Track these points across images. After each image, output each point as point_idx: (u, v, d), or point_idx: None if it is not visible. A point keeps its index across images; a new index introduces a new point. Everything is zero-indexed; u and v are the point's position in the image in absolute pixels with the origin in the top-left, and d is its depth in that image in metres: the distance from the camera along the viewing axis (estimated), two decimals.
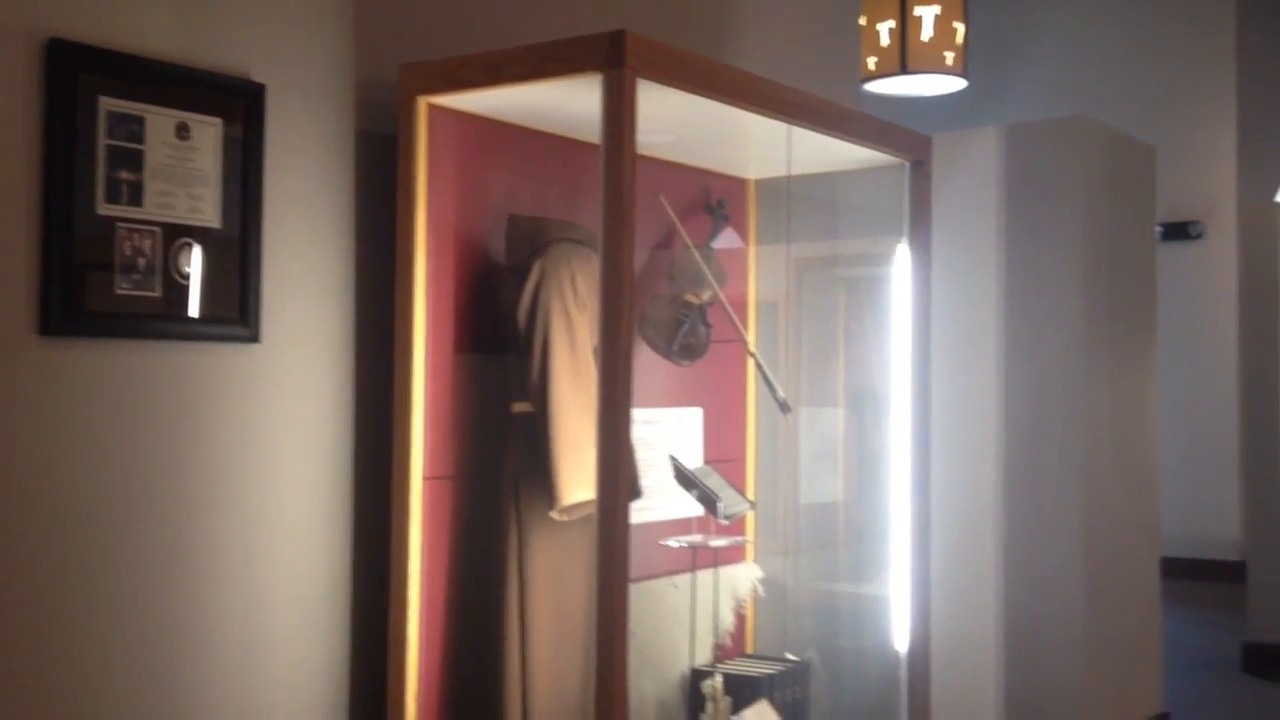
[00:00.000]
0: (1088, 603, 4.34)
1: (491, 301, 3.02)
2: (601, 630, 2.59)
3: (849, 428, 4.73)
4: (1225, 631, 6.99)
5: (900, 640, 3.74)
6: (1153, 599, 4.99)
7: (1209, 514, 9.45)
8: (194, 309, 2.58)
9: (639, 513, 3.20)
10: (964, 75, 4.81)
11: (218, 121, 2.63)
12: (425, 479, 2.85)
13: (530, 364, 2.90)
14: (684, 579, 3.50)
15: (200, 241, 2.59)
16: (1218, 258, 9.57)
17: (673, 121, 3.17)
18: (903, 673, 3.70)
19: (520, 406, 2.96)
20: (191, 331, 2.58)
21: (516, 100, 2.91)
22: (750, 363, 3.84)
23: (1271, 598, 6.33)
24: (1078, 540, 4.35)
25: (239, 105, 2.66)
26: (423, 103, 2.86)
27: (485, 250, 3.05)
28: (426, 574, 2.86)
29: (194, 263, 2.58)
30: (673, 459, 3.36)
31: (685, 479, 3.33)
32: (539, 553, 2.94)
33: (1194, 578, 9.04)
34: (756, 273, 4.08)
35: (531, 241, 3.02)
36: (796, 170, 3.76)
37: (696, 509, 3.42)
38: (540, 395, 2.88)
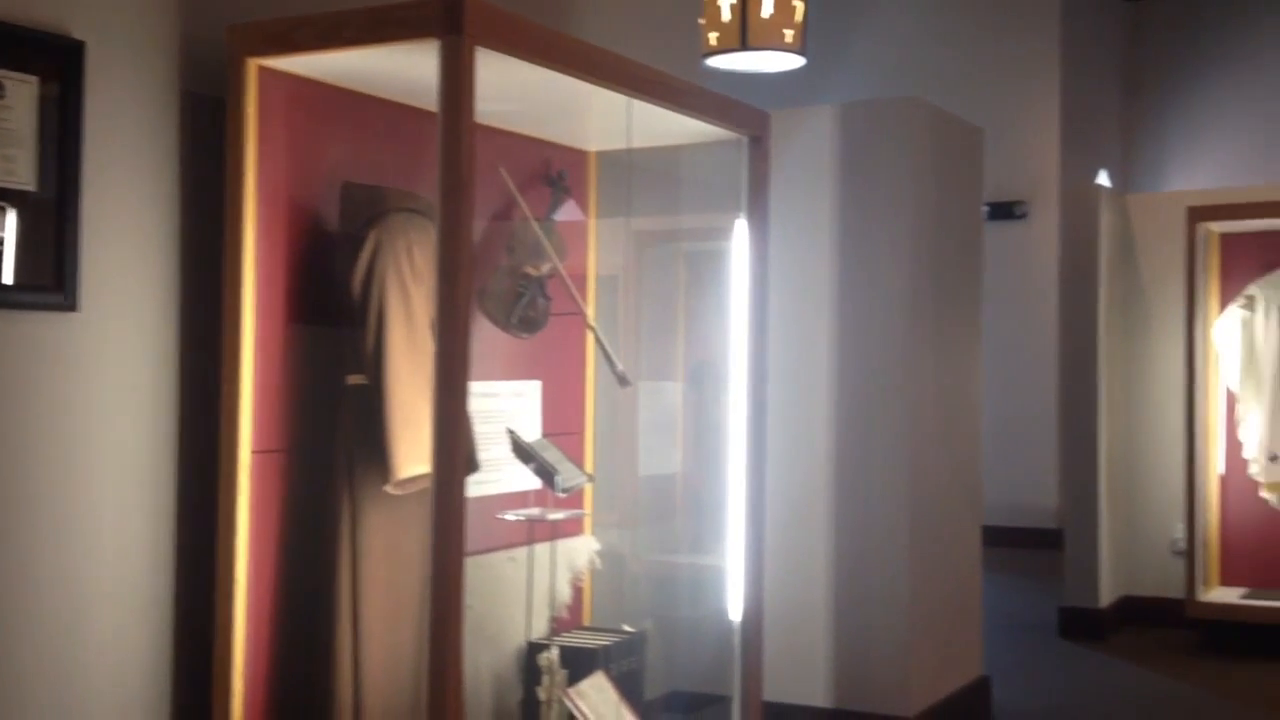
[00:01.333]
0: (913, 571, 4.47)
1: (325, 271, 2.95)
2: (436, 605, 2.56)
3: (688, 401, 4.77)
4: (1043, 597, 7.27)
5: (735, 609, 3.80)
6: (974, 567, 5.16)
7: (1029, 484, 9.82)
8: (7, 275, 2.46)
9: (476, 486, 3.18)
10: (803, 53, 4.87)
11: (33, 80, 2.51)
12: (254, 453, 2.77)
13: (365, 335, 2.85)
14: (521, 552, 3.49)
15: (14, 205, 2.47)
16: (1041, 237, 9.92)
17: (513, 91, 3.14)
18: (736, 640, 3.76)
19: (355, 379, 2.90)
20: (4, 299, 2.46)
21: (352, 65, 2.84)
22: (590, 336, 3.84)
23: (1086, 564, 6.61)
24: (905, 511, 4.47)
25: (56, 63, 2.54)
26: (252, 65, 2.77)
27: (319, 219, 2.98)
28: (254, 551, 2.79)
29: (7, 227, 2.46)
30: (510, 432, 3.34)
31: (523, 452, 3.31)
32: (373, 527, 2.90)
33: (1015, 545, 9.39)
34: (597, 246, 4.08)
35: (367, 210, 2.96)
36: (637, 143, 3.76)
37: (535, 482, 3.41)
38: (375, 367, 2.83)
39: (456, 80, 2.54)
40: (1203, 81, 10.52)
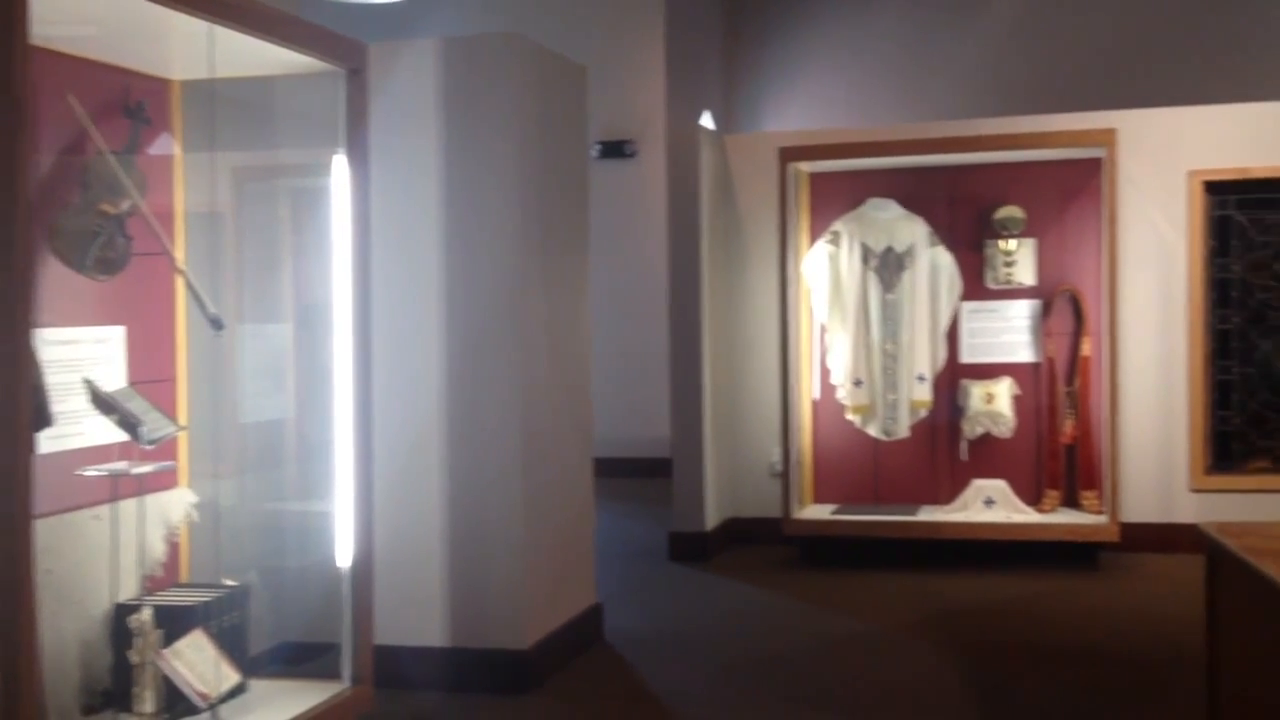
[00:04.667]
0: (527, 508, 4.52)
1: None
2: (4, 572, 2.37)
3: (298, 343, 4.62)
4: (656, 524, 7.58)
5: (344, 555, 3.73)
6: (587, 500, 5.28)
7: (644, 415, 10.16)
8: None
9: (51, 441, 2.97)
10: None
11: None
12: None
13: None
14: (107, 509, 3.28)
15: None
16: (651, 175, 10.22)
17: (80, 12, 2.90)
18: (346, 587, 3.69)
19: None
20: None
21: None
22: (179, 278, 3.63)
23: (691, 491, 6.91)
24: (517, 448, 4.51)
25: None
26: None
27: None
28: None
29: None
30: (88, 382, 3.12)
31: (103, 403, 3.11)
32: None
33: (632, 475, 9.72)
34: (186, 182, 3.85)
35: None
36: (227, 73, 3.56)
37: (120, 434, 3.21)
38: None
39: None
40: (797, 26, 11.07)
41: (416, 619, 4.52)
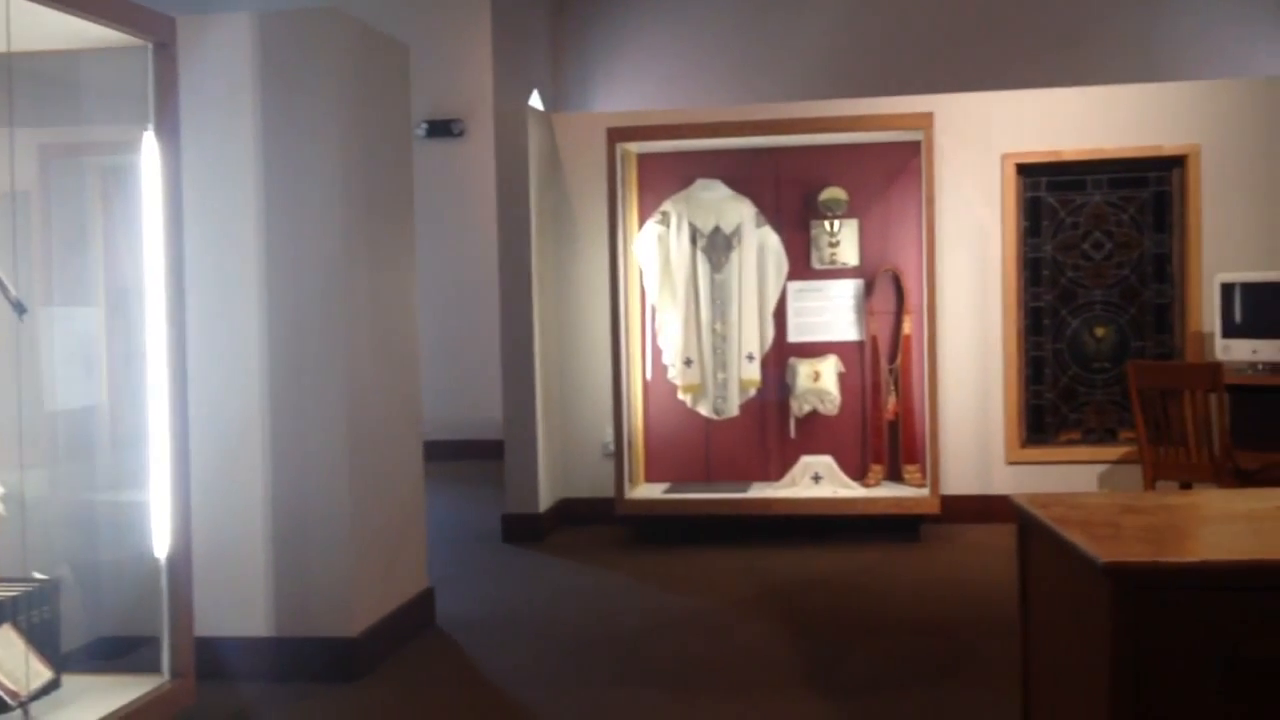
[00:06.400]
0: (354, 494, 4.44)
1: None
2: None
3: (111, 327, 4.46)
4: (490, 506, 7.54)
5: (161, 545, 3.61)
6: (417, 484, 5.21)
7: (478, 397, 10.10)
8: None
9: None
10: None
11: None
12: None
13: None
14: None
15: None
16: (480, 155, 10.12)
17: None
18: (163, 579, 3.58)
19: None
20: None
21: None
22: None
23: (524, 473, 6.89)
24: (343, 431, 4.42)
25: None
26: None
27: None
28: None
29: None
30: None
31: None
32: None
33: (467, 458, 9.66)
34: None
35: None
36: (27, 46, 3.42)
37: None
38: None
39: None
40: (628, 3, 11.10)
41: (240, 609, 4.41)
